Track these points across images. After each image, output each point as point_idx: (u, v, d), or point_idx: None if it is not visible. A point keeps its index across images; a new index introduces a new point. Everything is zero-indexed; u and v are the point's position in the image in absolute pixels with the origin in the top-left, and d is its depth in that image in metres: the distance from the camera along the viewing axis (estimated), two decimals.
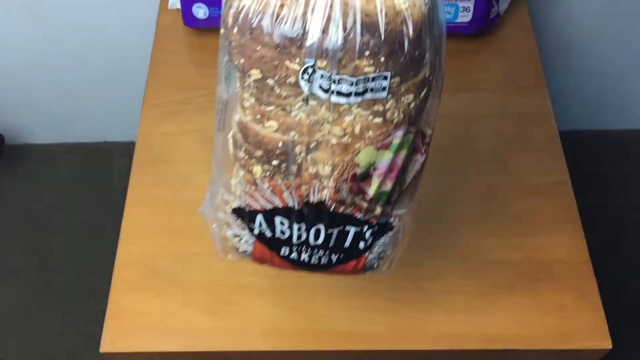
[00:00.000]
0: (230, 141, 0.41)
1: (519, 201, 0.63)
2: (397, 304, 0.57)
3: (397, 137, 0.37)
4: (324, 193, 0.39)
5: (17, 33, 0.98)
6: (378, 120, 0.36)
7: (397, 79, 0.35)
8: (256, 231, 0.43)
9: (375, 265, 0.45)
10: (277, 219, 0.41)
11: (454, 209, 0.63)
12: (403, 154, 0.38)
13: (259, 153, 0.38)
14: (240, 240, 0.44)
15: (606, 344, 0.56)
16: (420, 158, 0.40)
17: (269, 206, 0.41)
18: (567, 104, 1.11)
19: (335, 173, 0.38)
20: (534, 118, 0.69)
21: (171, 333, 0.57)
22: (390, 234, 0.43)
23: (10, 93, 1.10)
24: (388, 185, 0.39)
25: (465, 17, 0.71)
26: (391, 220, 0.42)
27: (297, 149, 0.37)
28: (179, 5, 0.74)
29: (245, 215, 0.42)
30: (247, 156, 0.39)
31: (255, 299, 0.58)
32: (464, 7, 0.70)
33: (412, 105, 0.37)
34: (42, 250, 1.12)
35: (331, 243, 0.42)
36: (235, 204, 0.43)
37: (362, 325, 0.57)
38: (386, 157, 0.38)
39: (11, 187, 1.19)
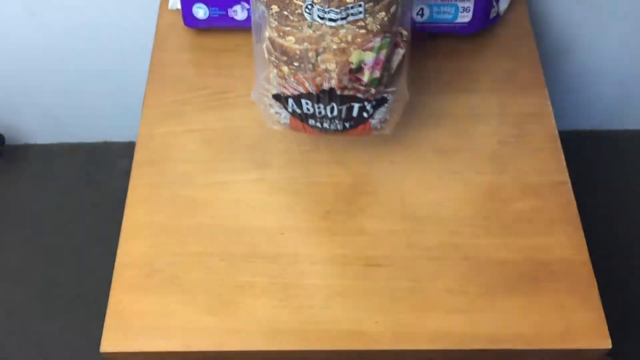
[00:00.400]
0: (265, 50, 0.57)
1: (519, 201, 0.63)
2: (397, 303, 0.58)
3: (377, 42, 0.53)
4: (332, 82, 0.55)
5: (18, 33, 0.98)
6: (362, 31, 0.53)
7: (370, 4, 0.52)
8: (290, 110, 0.59)
9: (379, 128, 0.61)
10: (303, 101, 0.57)
11: (453, 209, 0.63)
12: (384, 52, 0.54)
13: (284, 58, 0.55)
14: (280, 115, 0.61)
15: (606, 343, 0.56)
16: (400, 51, 0.56)
17: (296, 93, 0.57)
18: (566, 103, 1.11)
19: (337, 69, 0.54)
20: (533, 118, 0.69)
21: (171, 333, 0.57)
22: (386, 104, 0.59)
23: (10, 93, 1.10)
24: (377, 74, 0.55)
25: (465, 18, 0.71)
26: (386, 95, 0.58)
27: (310, 54, 0.53)
28: (179, 6, 0.74)
29: (281, 99, 0.59)
30: (277, 60, 0.56)
31: (256, 299, 0.58)
32: (464, 7, 0.70)
33: (385, 19, 0.53)
34: (42, 250, 1.12)
35: (343, 115, 0.58)
36: (274, 92, 0.59)
37: (362, 325, 0.57)
38: (371, 56, 0.54)
39: (11, 187, 1.20)
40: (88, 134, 1.21)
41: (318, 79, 0.55)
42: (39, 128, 1.19)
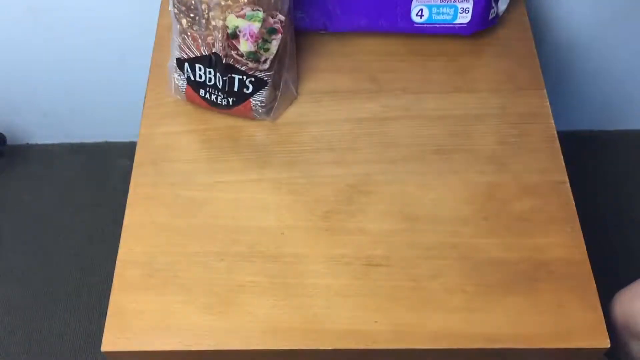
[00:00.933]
0: (171, 4, 0.63)
1: (518, 201, 0.63)
2: (397, 303, 0.58)
3: (248, 11, 0.60)
4: (218, 45, 0.62)
5: (19, 33, 0.98)
6: None
7: None
8: (185, 75, 0.67)
9: (261, 111, 0.67)
10: (197, 66, 0.65)
11: (453, 208, 0.63)
12: (256, 26, 0.60)
13: (183, 8, 0.63)
14: (181, 84, 0.68)
15: (604, 343, 0.56)
16: (280, 36, 0.62)
17: (192, 55, 0.65)
18: (565, 104, 1.11)
19: (220, 31, 0.61)
20: (532, 118, 0.69)
21: (172, 332, 0.57)
22: (266, 88, 0.65)
23: (11, 93, 1.10)
24: (251, 47, 0.61)
25: (464, 19, 0.71)
26: (265, 77, 0.65)
27: (203, 6, 0.61)
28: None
29: (180, 63, 0.66)
30: (178, 11, 0.63)
31: (255, 298, 0.58)
32: (463, 8, 0.71)
33: None
34: (43, 249, 1.13)
35: (226, 88, 0.65)
36: (174, 55, 0.66)
37: (361, 325, 0.57)
38: (244, 23, 0.60)
39: (12, 186, 1.20)
40: (89, 134, 1.21)
41: (209, 38, 0.62)
42: (39, 128, 1.19)
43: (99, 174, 1.20)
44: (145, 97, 0.72)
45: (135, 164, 0.67)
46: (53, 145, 1.23)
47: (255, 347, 0.57)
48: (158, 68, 0.73)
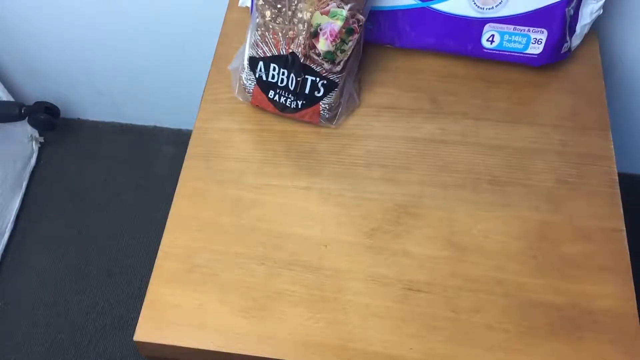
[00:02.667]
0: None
1: (570, 244, 0.61)
2: (434, 332, 0.57)
3: (333, 7, 0.60)
4: (300, 39, 0.62)
5: (85, 12, 0.99)
6: None
7: None
8: (256, 75, 0.66)
9: (327, 116, 0.67)
10: (272, 66, 0.65)
11: (502, 242, 0.61)
12: (338, 24, 0.60)
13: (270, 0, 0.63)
14: (248, 85, 0.68)
15: None
16: (356, 36, 0.62)
17: (268, 54, 0.64)
18: (629, 146, 1.08)
19: (305, 32, 0.61)
20: (594, 160, 0.67)
21: (205, 331, 0.57)
22: (336, 89, 0.65)
23: (70, 68, 1.12)
24: (329, 46, 0.61)
25: (536, 49, 0.70)
26: (336, 79, 0.65)
27: None
28: (249, 4, 0.75)
29: (254, 62, 0.66)
30: (263, 2, 0.63)
31: (291, 308, 0.58)
32: (536, 39, 0.69)
33: None
34: (80, 225, 1.14)
35: (298, 89, 0.65)
36: (249, 54, 0.66)
37: (395, 349, 0.56)
38: (326, 20, 0.61)
39: (59, 159, 1.22)
40: (139, 117, 1.22)
41: (291, 33, 0.62)
42: (92, 105, 1.21)
43: (143, 157, 1.22)
44: (204, 91, 0.72)
45: (187, 156, 0.67)
46: (104, 123, 1.24)
47: (285, 357, 0.56)
48: (220, 62, 0.73)
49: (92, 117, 1.24)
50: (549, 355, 0.56)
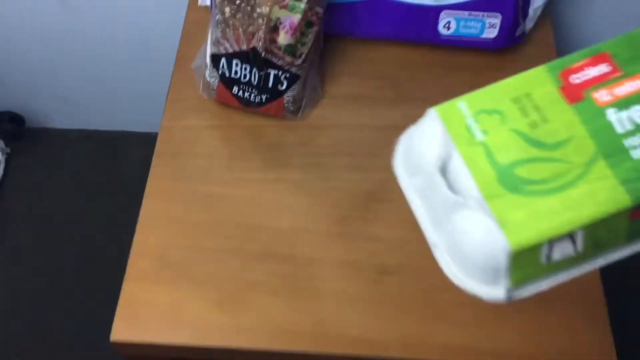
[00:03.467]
0: None
1: None
2: (408, 313, 0.58)
3: (291, 1, 0.61)
4: (260, 34, 0.62)
5: (46, 19, 0.99)
6: None
7: None
8: (219, 72, 0.67)
9: (292, 109, 0.68)
10: (234, 61, 0.65)
11: None
12: (297, 17, 0.62)
13: None
14: (212, 82, 0.68)
15: None
16: (315, 28, 0.64)
17: (230, 50, 0.65)
18: None
19: (265, 26, 0.62)
20: None
21: (181, 326, 0.57)
22: (299, 82, 0.66)
23: (34, 77, 1.11)
24: (290, 39, 0.62)
25: (491, 33, 0.71)
26: (298, 72, 0.65)
27: None
28: (208, 3, 0.75)
29: (215, 59, 0.66)
30: None
31: (267, 298, 0.59)
32: (491, 23, 0.70)
33: None
34: (52, 233, 1.13)
35: (261, 84, 0.66)
36: (211, 51, 0.66)
37: (371, 333, 0.57)
38: (285, 14, 0.61)
39: (27, 169, 1.21)
40: (106, 122, 1.22)
41: (251, 28, 0.62)
42: (58, 113, 1.20)
43: (113, 163, 1.21)
44: (168, 90, 0.72)
45: (155, 155, 0.67)
46: (70, 130, 1.23)
47: (263, 347, 0.57)
48: (183, 62, 0.74)
49: (58, 125, 1.23)
50: (519, 327, 0.57)
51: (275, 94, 0.67)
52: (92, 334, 1.04)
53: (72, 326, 1.05)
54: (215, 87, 0.68)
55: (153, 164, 0.66)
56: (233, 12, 0.63)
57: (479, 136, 0.36)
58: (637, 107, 0.34)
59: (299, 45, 0.64)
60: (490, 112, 0.36)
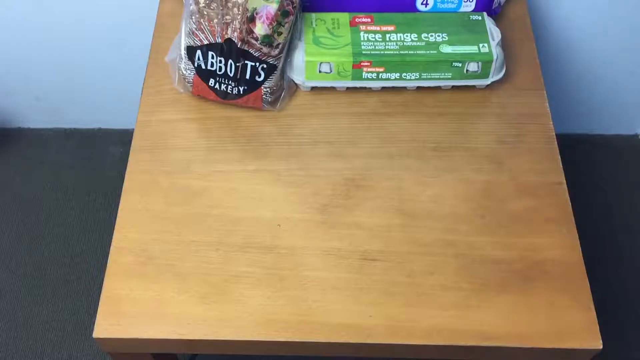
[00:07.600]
0: None
1: (515, 200, 0.64)
2: (392, 298, 0.58)
3: None
4: (236, 24, 0.62)
5: (15, 15, 0.97)
6: None
7: None
8: (196, 64, 0.66)
9: (270, 100, 0.68)
10: (209, 53, 0.65)
11: (450, 205, 0.63)
12: (274, 7, 0.62)
13: None
14: (187, 76, 0.67)
15: (597, 344, 0.56)
16: (291, 18, 0.64)
17: (205, 42, 0.64)
18: (563, 107, 1.12)
19: (240, 16, 0.62)
20: (531, 119, 0.69)
21: (165, 320, 0.57)
22: (276, 72, 0.66)
23: (4, 75, 1.09)
24: (267, 30, 0.63)
25: (468, 7, 0.71)
26: (275, 62, 0.66)
27: None
28: None
29: (190, 51, 0.66)
30: None
31: (250, 289, 0.58)
32: None
33: None
34: (32, 234, 1.11)
35: (238, 75, 0.65)
36: (186, 43, 0.66)
37: (356, 319, 0.57)
38: (262, 4, 0.62)
39: (3, 170, 1.19)
40: (82, 120, 1.20)
41: (227, 17, 0.62)
42: (32, 112, 1.18)
43: (91, 161, 1.19)
44: (143, 84, 0.71)
45: (132, 150, 0.66)
46: (46, 129, 1.21)
47: (249, 337, 0.56)
48: (157, 55, 0.73)
49: (33, 125, 1.21)
50: (503, 308, 0.58)
51: (253, 85, 0.66)
52: (75, 332, 1.03)
53: (54, 325, 1.04)
54: (191, 80, 0.67)
55: (130, 159, 0.66)
56: (208, 1, 0.62)
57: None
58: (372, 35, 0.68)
59: (275, 35, 0.63)
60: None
